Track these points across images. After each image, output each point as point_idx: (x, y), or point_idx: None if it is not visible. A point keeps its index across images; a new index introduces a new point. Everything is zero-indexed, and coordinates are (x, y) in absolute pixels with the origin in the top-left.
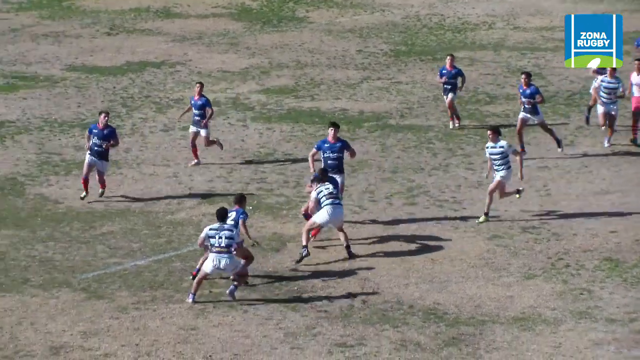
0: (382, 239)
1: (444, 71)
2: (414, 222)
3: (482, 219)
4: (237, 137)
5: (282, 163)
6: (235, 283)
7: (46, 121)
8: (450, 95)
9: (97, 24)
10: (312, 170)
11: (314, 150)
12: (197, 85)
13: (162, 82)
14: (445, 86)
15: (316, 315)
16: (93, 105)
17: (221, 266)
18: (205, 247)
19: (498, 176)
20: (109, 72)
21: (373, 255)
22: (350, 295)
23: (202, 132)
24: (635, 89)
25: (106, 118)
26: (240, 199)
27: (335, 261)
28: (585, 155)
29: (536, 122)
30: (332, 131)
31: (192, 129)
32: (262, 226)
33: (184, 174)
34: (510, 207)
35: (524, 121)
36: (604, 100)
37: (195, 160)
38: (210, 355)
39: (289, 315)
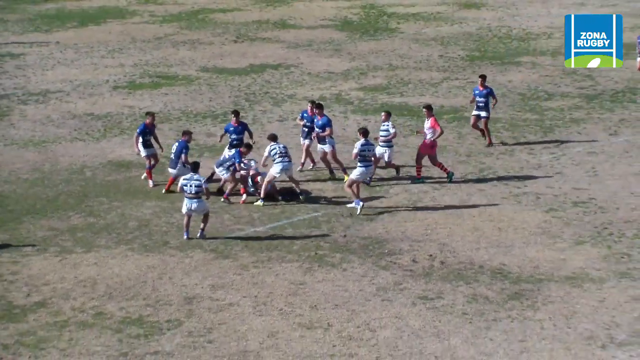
0: (458, 211)
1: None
2: (484, 197)
3: None
4: (339, 126)
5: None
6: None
7: (183, 112)
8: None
9: (226, 33)
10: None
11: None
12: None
13: (279, 81)
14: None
15: (403, 273)
16: (222, 99)
17: (192, 208)
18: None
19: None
20: (235, 73)
21: (450, 224)
22: (431, 257)
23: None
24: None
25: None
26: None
27: (420, 229)
28: (626, 142)
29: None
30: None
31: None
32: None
33: (295, 157)
34: (564, 185)
35: (477, 117)
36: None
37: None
38: (315, 305)
39: (380, 273)
